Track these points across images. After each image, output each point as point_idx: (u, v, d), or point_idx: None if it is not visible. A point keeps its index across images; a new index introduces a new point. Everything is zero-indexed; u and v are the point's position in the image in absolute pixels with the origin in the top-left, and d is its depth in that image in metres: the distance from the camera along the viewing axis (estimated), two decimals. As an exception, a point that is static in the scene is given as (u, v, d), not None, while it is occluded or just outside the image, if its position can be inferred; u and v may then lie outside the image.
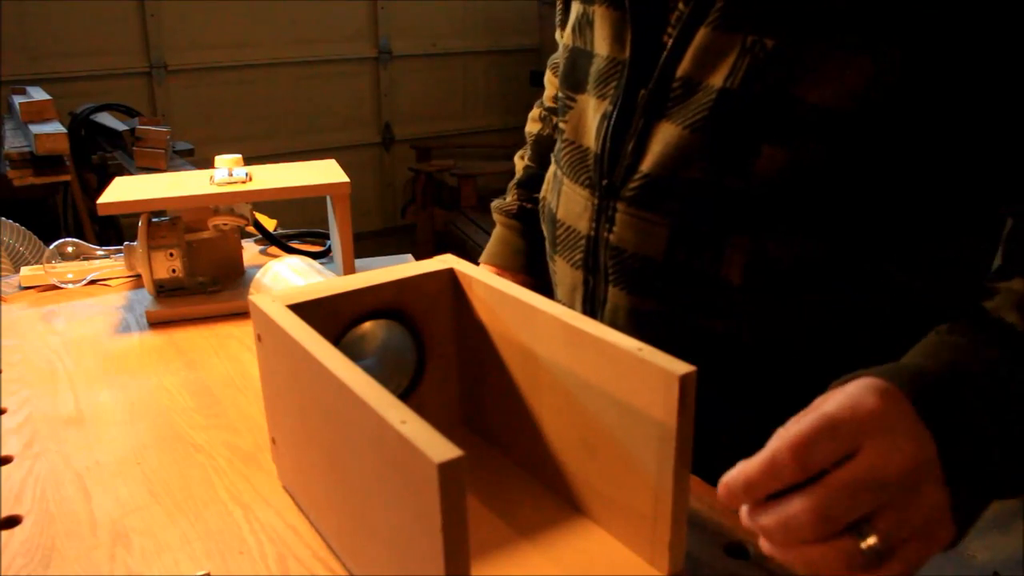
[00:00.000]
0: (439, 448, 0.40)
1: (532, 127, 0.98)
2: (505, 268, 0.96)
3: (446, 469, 0.40)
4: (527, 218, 0.95)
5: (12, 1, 3.16)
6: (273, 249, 1.27)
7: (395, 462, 0.44)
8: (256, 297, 0.61)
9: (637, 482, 0.54)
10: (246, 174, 1.05)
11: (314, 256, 1.22)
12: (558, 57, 0.88)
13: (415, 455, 0.41)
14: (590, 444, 0.58)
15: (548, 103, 0.96)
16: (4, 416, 0.80)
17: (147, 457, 0.72)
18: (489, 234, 1.02)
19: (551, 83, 0.95)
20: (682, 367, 0.49)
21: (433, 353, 0.69)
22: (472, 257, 0.78)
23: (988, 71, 0.53)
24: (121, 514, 0.64)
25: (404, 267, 0.68)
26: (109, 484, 0.68)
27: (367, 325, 0.66)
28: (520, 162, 0.99)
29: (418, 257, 0.81)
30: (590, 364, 0.55)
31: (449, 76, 4.24)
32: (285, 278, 0.83)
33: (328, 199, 1.06)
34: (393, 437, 0.43)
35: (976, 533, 2.12)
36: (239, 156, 1.07)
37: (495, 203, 0.99)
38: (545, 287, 0.83)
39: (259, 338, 0.62)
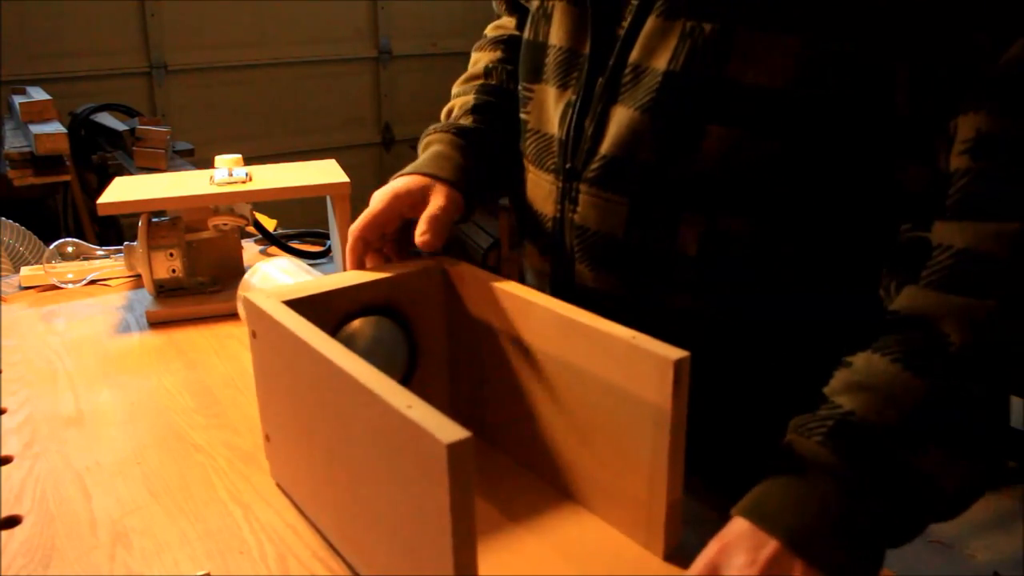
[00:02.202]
0: (447, 429, 0.41)
1: (471, 83, 0.90)
2: (438, 178, 0.73)
3: (455, 449, 0.40)
4: (477, 138, 0.80)
5: (12, 1, 3.16)
6: (273, 249, 1.27)
7: (401, 446, 0.44)
8: (251, 294, 0.62)
9: (632, 467, 0.55)
10: (246, 174, 1.05)
11: (314, 256, 1.22)
12: (498, 35, 0.91)
13: (423, 437, 0.42)
14: (585, 433, 0.59)
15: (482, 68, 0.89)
16: (4, 416, 0.80)
17: (147, 457, 0.72)
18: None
19: (488, 56, 0.91)
20: (676, 352, 0.50)
21: (425, 349, 0.70)
22: (472, 258, 0.78)
23: (904, 61, 0.56)
24: (121, 514, 0.64)
25: (396, 264, 0.68)
26: (109, 484, 0.68)
27: (356, 323, 0.66)
28: (468, 96, 0.86)
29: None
30: (584, 354, 0.56)
31: (449, 76, 4.22)
32: (274, 278, 0.83)
33: (328, 199, 1.06)
34: (399, 422, 0.43)
35: (976, 533, 2.12)
36: (239, 156, 1.07)
37: (431, 127, 0.83)
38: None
39: (253, 334, 0.62)
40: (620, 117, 0.65)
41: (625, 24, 0.65)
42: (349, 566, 0.57)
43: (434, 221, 0.68)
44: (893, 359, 0.53)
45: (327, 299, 0.63)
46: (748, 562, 0.48)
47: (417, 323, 0.69)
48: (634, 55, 0.65)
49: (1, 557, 0.59)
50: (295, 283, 0.67)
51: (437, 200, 0.70)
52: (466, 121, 0.82)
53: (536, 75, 0.75)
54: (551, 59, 0.73)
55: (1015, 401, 2.30)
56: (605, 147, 0.67)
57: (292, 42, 3.81)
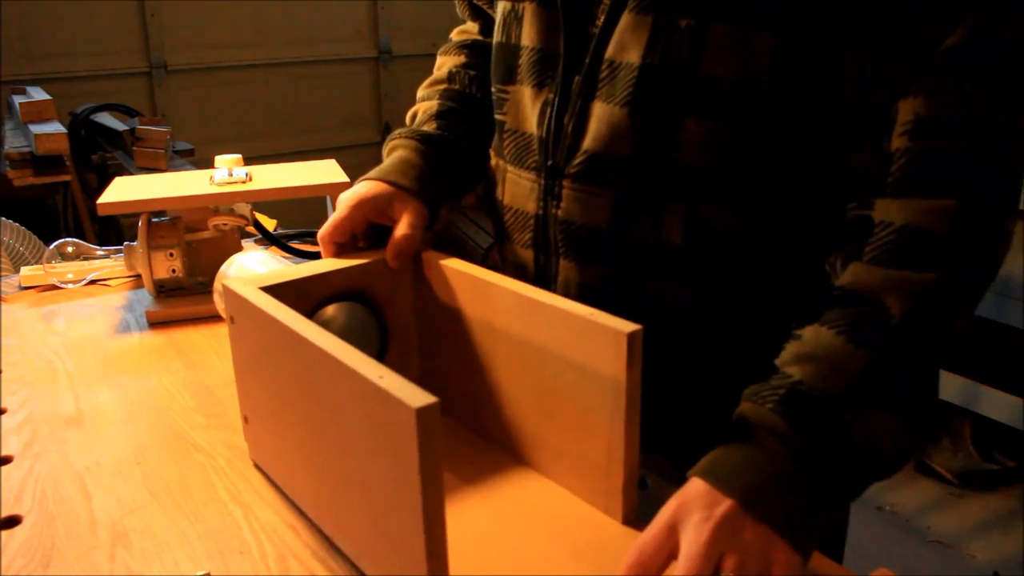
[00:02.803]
0: (415, 396, 0.44)
1: (435, 87, 0.89)
2: (403, 188, 0.74)
3: (423, 413, 0.43)
4: (440, 145, 0.80)
5: (12, 1, 3.16)
6: (273, 249, 1.27)
7: (374, 415, 0.47)
8: (228, 281, 0.64)
9: (591, 437, 0.59)
10: (246, 174, 1.05)
11: (314, 256, 1.22)
12: (463, 40, 0.90)
13: (393, 404, 0.44)
14: (547, 406, 0.62)
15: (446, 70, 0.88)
16: (4, 416, 0.80)
17: (147, 457, 0.72)
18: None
19: (452, 60, 0.90)
20: (629, 326, 0.54)
21: (395, 332, 0.72)
22: (472, 257, 0.78)
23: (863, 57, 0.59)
24: (121, 514, 0.64)
25: (367, 252, 0.71)
26: (109, 484, 0.68)
27: (330, 309, 0.68)
28: (432, 101, 0.86)
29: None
30: (545, 331, 0.60)
31: (449, 76, 4.24)
32: (250, 269, 0.85)
33: (328, 199, 1.06)
34: (372, 391, 0.46)
35: (976, 533, 2.12)
36: (239, 156, 1.07)
37: (396, 131, 0.83)
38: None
39: (231, 320, 0.65)
40: (600, 113, 0.67)
41: (599, 22, 0.67)
42: (349, 566, 0.57)
43: (404, 242, 0.70)
44: (838, 332, 0.57)
45: (302, 285, 0.66)
46: (704, 518, 0.52)
47: (388, 307, 0.72)
48: (609, 51, 0.66)
49: (1, 557, 0.59)
50: (271, 271, 0.69)
51: (406, 218, 0.72)
52: (430, 127, 0.83)
53: (510, 76, 0.76)
54: (525, 60, 0.74)
55: (1015, 401, 2.29)
56: (587, 143, 0.68)
57: (292, 42, 3.81)
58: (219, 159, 1.06)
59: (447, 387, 0.72)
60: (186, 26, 3.55)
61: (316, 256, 1.21)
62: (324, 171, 1.08)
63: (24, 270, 1.16)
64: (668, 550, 0.52)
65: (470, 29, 0.93)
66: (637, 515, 0.59)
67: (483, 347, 0.67)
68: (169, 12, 3.50)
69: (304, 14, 3.80)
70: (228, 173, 1.04)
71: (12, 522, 0.63)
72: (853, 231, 0.60)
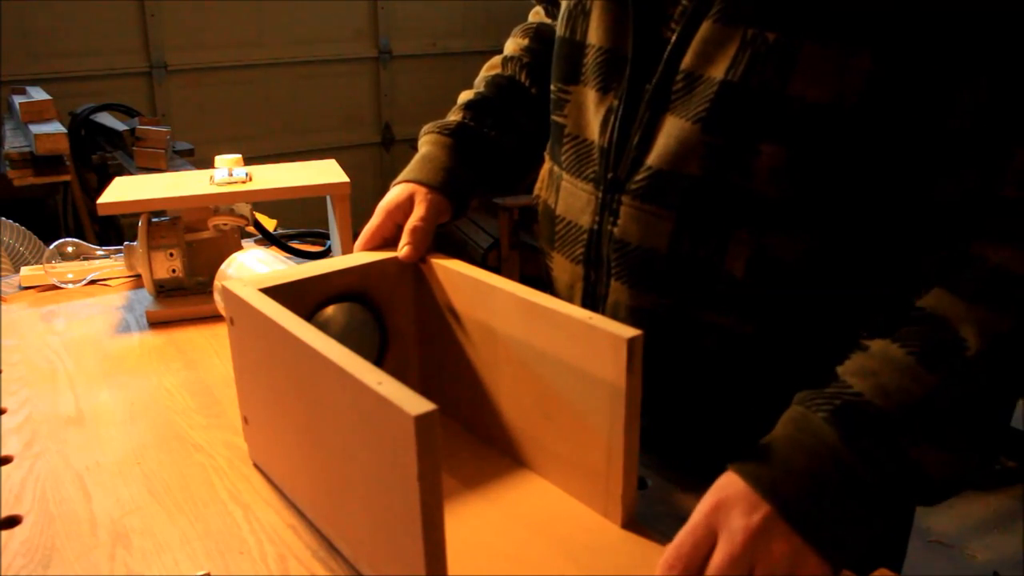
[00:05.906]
0: (414, 403, 0.44)
1: (489, 72, 0.90)
2: (422, 183, 0.76)
3: (422, 421, 0.43)
4: (464, 136, 0.81)
5: (12, 1, 3.16)
6: (273, 248, 1.27)
7: (372, 420, 0.47)
8: (228, 282, 0.63)
9: (590, 441, 0.58)
10: (246, 174, 1.05)
11: (314, 256, 1.22)
12: (530, 23, 0.89)
13: (392, 411, 0.44)
14: (546, 409, 0.62)
15: (516, 47, 0.88)
16: (4, 416, 0.80)
17: (147, 457, 0.72)
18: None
19: (513, 44, 0.90)
20: (629, 331, 0.53)
21: (395, 333, 0.73)
22: (472, 258, 0.78)
23: (970, 77, 0.55)
24: (121, 514, 0.64)
25: (368, 253, 0.72)
26: (109, 484, 0.68)
27: (330, 309, 0.68)
28: (473, 90, 0.88)
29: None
30: (545, 334, 0.60)
31: (449, 76, 4.24)
32: (250, 268, 0.85)
33: (328, 199, 1.06)
34: (371, 397, 0.46)
35: (976, 533, 2.11)
36: (239, 156, 1.07)
37: (425, 127, 0.84)
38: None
39: (231, 321, 0.65)
40: (670, 127, 0.63)
41: (674, 27, 0.63)
42: (349, 566, 0.57)
43: (413, 233, 0.71)
44: (909, 351, 0.54)
45: (302, 286, 0.66)
46: (741, 526, 0.51)
47: (388, 308, 0.72)
48: (687, 61, 0.62)
49: (1, 557, 0.59)
50: (271, 271, 0.69)
51: (418, 210, 0.73)
52: (456, 117, 0.83)
53: (574, 76, 0.71)
54: (590, 60, 0.69)
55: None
56: (652, 158, 0.64)
57: (292, 42, 3.81)
58: (219, 159, 1.06)
59: (446, 389, 0.72)
60: (186, 26, 3.55)
61: (316, 256, 1.21)
62: (324, 171, 1.08)
63: (24, 270, 1.16)
64: (705, 550, 0.51)
65: (538, 11, 0.90)
66: (636, 519, 0.59)
67: (483, 349, 0.67)
68: (169, 12, 3.50)
69: (304, 14, 3.80)
70: (228, 173, 1.04)
71: (12, 522, 0.63)
72: (947, 260, 0.57)
